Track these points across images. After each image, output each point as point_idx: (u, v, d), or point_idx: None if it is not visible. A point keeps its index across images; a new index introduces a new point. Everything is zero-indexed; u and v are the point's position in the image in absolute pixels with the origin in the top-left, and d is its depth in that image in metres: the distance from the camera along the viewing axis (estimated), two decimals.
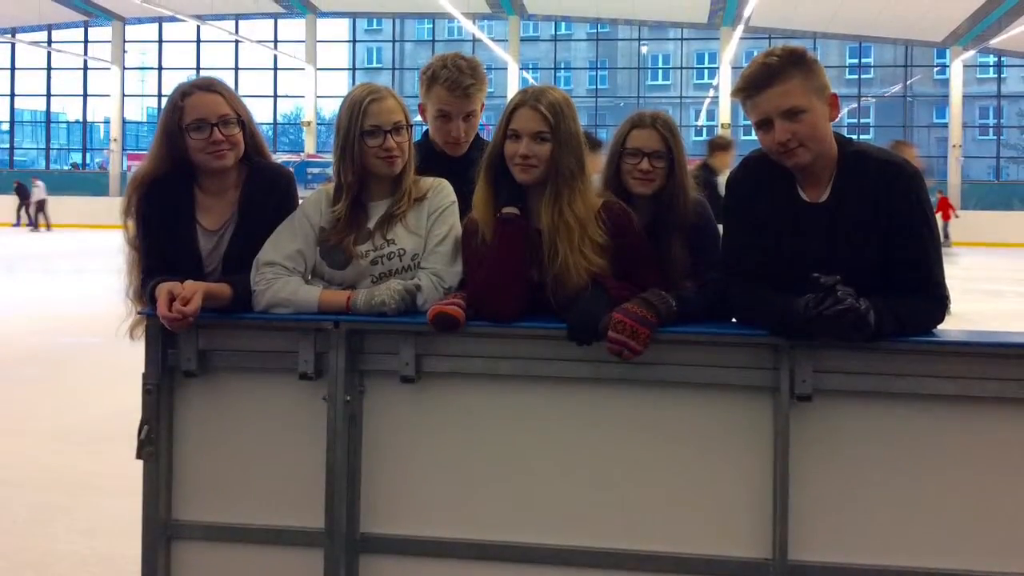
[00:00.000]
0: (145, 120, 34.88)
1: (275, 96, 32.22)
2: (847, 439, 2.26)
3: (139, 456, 2.43)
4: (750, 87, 2.27)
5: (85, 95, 32.02)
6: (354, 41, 34.09)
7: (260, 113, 30.97)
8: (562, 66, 34.13)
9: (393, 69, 35.37)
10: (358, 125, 2.45)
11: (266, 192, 2.61)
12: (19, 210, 27.59)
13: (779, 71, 2.23)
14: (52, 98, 32.40)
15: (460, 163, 2.88)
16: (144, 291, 2.52)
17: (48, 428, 5.55)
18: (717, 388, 2.30)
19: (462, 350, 2.36)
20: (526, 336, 2.34)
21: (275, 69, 31.83)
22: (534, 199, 2.42)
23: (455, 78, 2.86)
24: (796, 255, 2.28)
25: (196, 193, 2.59)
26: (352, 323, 2.37)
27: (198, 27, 28.52)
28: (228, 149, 2.52)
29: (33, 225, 26.92)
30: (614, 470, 2.34)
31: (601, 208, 2.41)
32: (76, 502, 4.24)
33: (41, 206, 26.87)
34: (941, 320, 2.30)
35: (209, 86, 2.57)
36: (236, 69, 30.96)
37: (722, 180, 6.27)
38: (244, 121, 2.57)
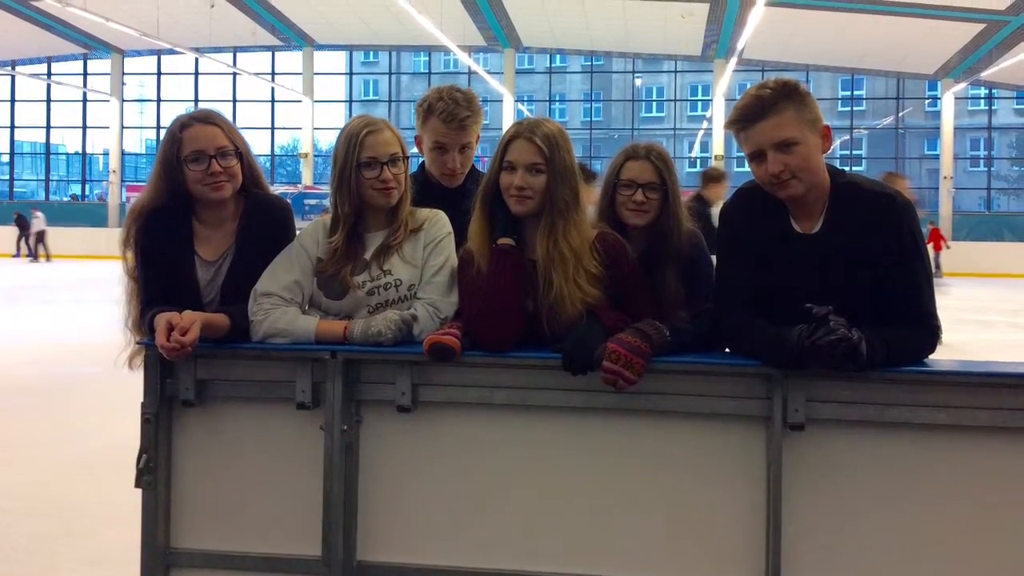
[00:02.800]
0: (144, 152, 34.99)
1: (272, 128, 32.38)
2: (839, 468, 2.27)
3: (138, 485, 2.44)
4: (743, 119, 2.29)
5: (84, 127, 32.15)
6: (351, 73, 34.42)
7: (257, 145, 31.09)
8: (557, 98, 34.44)
9: (390, 101, 35.58)
10: (355, 157, 2.47)
11: (264, 223, 2.63)
12: (19, 241, 27.59)
13: (772, 103, 2.25)
14: (52, 130, 32.53)
15: (456, 194, 2.90)
16: (143, 321, 2.54)
17: (47, 457, 5.54)
18: (710, 417, 2.31)
19: (458, 380, 2.38)
20: (521, 366, 2.36)
21: (272, 101, 32.01)
22: (529, 230, 2.45)
23: (451, 110, 2.89)
24: (789, 285, 2.29)
25: (194, 224, 2.62)
26: (349, 353, 2.39)
27: (196, 59, 28.69)
28: (226, 181, 2.55)
29: (33, 256, 26.91)
30: (608, 498, 2.35)
31: (596, 239, 2.43)
32: (75, 531, 4.23)
33: (41, 237, 26.88)
34: (932, 350, 2.31)
35: (207, 118, 2.59)
36: (234, 101, 31.11)
37: (715, 211, 6.32)
38: (242, 153, 2.60)
